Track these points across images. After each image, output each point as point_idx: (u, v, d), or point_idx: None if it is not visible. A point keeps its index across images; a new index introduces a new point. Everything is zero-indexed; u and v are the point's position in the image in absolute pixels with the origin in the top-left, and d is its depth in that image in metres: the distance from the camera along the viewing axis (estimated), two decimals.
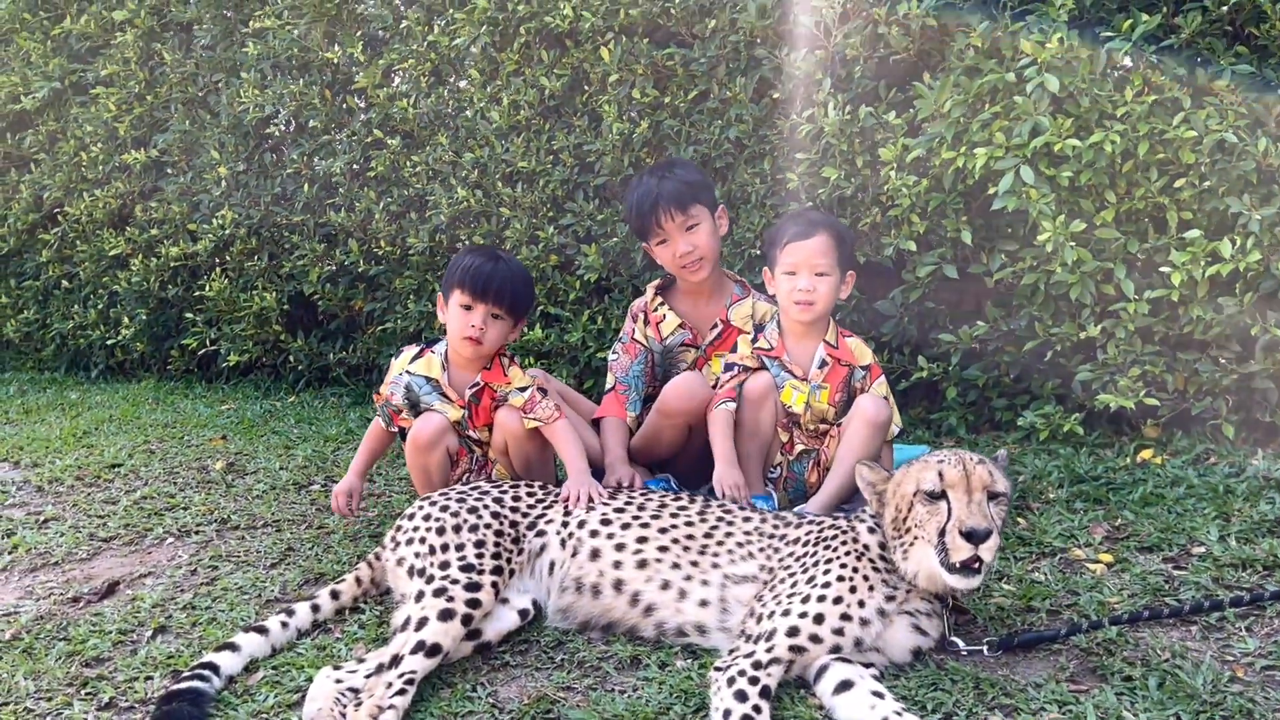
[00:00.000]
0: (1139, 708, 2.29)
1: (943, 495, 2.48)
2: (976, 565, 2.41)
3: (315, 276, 5.85)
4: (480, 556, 2.79)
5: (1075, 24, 3.84)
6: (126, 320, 6.70)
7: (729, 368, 3.63)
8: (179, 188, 6.47)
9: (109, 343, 6.89)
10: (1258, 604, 2.67)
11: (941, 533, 2.45)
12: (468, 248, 3.53)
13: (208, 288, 6.19)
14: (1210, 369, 3.81)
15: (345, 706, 2.40)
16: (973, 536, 2.38)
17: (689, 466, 3.71)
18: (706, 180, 3.86)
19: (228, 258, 6.27)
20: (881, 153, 4.15)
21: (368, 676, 2.50)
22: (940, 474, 2.50)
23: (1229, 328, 3.76)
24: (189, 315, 6.44)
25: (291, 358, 6.18)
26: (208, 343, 6.41)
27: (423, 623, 2.58)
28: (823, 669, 2.45)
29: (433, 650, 2.53)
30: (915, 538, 2.52)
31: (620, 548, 2.85)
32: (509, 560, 2.84)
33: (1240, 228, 3.66)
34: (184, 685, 2.49)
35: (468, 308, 3.37)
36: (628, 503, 3.01)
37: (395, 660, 2.50)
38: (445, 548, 2.83)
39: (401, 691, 2.41)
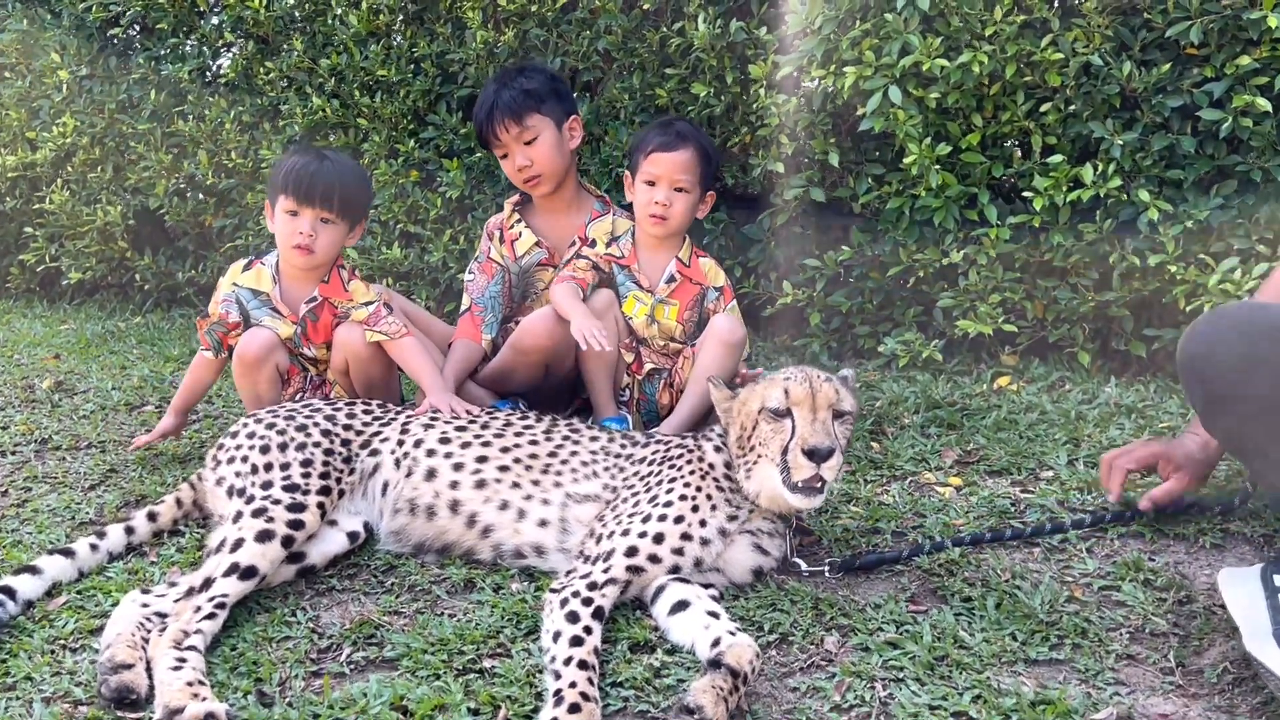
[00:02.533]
0: (975, 627, 2.27)
1: (788, 413, 2.41)
2: (819, 484, 2.35)
3: (162, 190, 5.53)
4: (307, 476, 2.62)
5: None
6: None
7: (582, 256, 3.52)
8: (16, 92, 6.03)
9: None
10: (1099, 526, 2.67)
11: (784, 451, 2.38)
12: (292, 148, 3.28)
13: (48, 200, 5.81)
14: (1069, 296, 3.81)
15: (149, 632, 2.23)
16: (815, 455, 2.32)
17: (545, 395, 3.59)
18: (557, 87, 3.64)
19: (69, 169, 5.87)
20: (752, 70, 4.03)
21: (177, 600, 2.33)
22: (786, 391, 2.42)
23: (1088, 255, 3.76)
24: (29, 230, 6.04)
25: (138, 276, 5.85)
26: (48, 259, 6.03)
27: (238, 544, 2.42)
28: (660, 589, 2.38)
29: (247, 573, 2.37)
30: (759, 456, 2.44)
31: (458, 467, 2.71)
32: (339, 480, 2.69)
33: (1102, 153, 3.65)
34: None
35: (294, 213, 3.16)
36: (471, 421, 2.88)
37: (207, 583, 2.34)
38: (269, 467, 2.66)
39: (210, 616, 2.25)
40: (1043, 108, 3.72)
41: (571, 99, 3.70)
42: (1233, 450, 2.29)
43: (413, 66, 4.84)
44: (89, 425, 3.76)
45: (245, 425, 2.83)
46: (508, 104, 3.50)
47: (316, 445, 2.73)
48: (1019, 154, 3.81)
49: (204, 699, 1.98)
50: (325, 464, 2.68)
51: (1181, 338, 2.22)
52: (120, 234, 5.77)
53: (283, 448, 2.70)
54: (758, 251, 4.38)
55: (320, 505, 2.58)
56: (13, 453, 3.50)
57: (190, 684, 2.03)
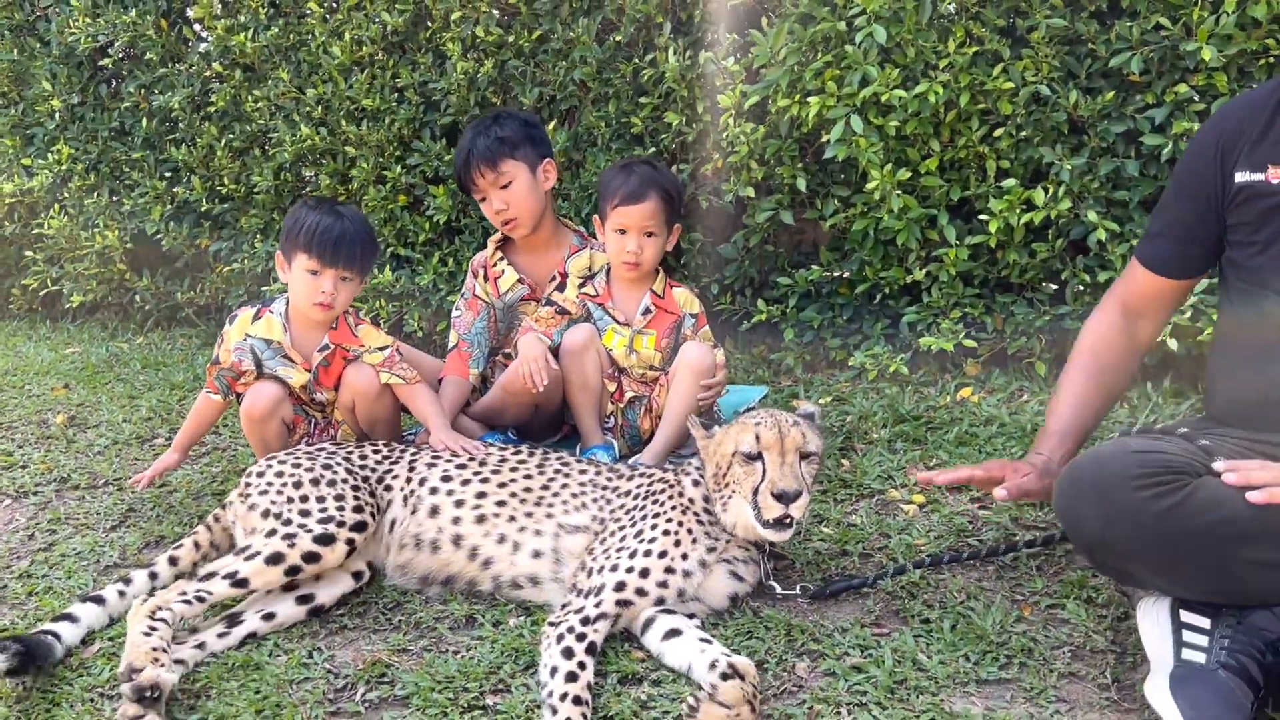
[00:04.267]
0: (933, 649, 2.47)
1: (759, 456, 2.60)
2: (788, 520, 2.54)
3: (158, 214, 5.68)
4: (342, 509, 2.81)
5: None
6: None
7: (549, 303, 3.72)
8: (10, 120, 6.17)
9: None
10: (1049, 544, 2.87)
11: (756, 491, 2.58)
12: (304, 202, 3.39)
13: (46, 225, 5.96)
14: (1025, 311, 4.01)
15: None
16: (783, 497, 2.52)
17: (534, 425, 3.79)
18: (530, 133, 3.79)
19: (66, 194, 6.02)
20: (721, 99, 4.19)
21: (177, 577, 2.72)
22: (757, 436, 2.61)
23: (1042, 272, 3.95)
24: (29, 254, 6.20)
25: (138, 297, 6.02)
26: (49, 282, 6.19)
27: (251, 555, 2.66)
28: (649, 621, 2.56)
29: (240, 583, 2.62)
30: (733, 493, 2.64)
31: (460, 504, 2.90)
32: (373, 516, 2.88)
33: (1053, 177, 3.83)
34: (33, 635, 2.51)
35: (315, 272, 3.28)
36: (470, 459, 3.07)
37: (208, 576, 2.62)
38: (305, 498, 2.84)
39: (187, 602, 2.53)
40: (996, 133, 3.89)
41: (546, 142, 3.86)
42: (1119, 580, 2.52)
43: (396, 95, 4.99)
44: (104, 461, 3.93)
45: (271, 465, 2.99)
46: (483, 152, 3.67)
47: (345, 482, 2.92)
48: (975, 178, 3.98)
49: (162, 665, 2.31)
50: (358, 499, 2.87)
51: (1055, 491, 2.41)
52: (119, 257, 5.92)
53: (315, 482, 2.88)
54: (733, 270, 4.56)
55: (350, 542, 2.76)
56: (34, 492, 3.67)
57: (155, 649, 2.35)
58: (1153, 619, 2.29)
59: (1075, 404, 2.74)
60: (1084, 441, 2.79)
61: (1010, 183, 3.83)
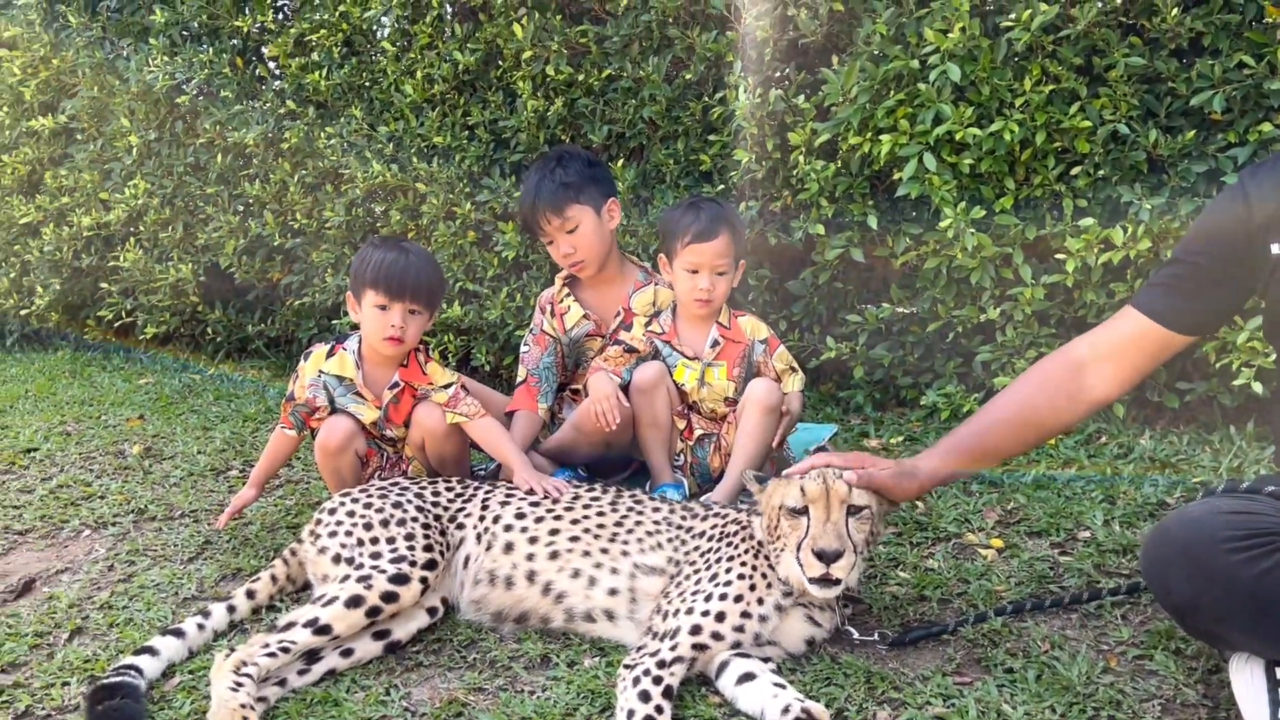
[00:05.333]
0: (1018, 699, 2.42)
1: (804, 511, 2.57)
2: (833, 579, 2.50)
3: (231, 248, 5.79)
4: (412, 548, 2.83)
5: (977, 12, 3.90)
6: (40, 290, 6.59)
7: (618, 343, 3.73)
8: (89, 155, 6.34)
9: (23, 312, 6.77)
10: (1133, 593, 2.81)
11: (800, 546, 2.55)
12: (372, 241, 3.46)
13: (122, 258, 6.10)
14: None
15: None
16: (823, 556, 2.48)
17: (604, 462, 3.80)
18: (594, 173, 3.82)
19: (141, 228, 6.16)
20: (791, 136, 4.20)
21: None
22: (802, 490, 2.58)
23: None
24: (104, 285, 6.34)
25: (210, 329, 6.13)
26: (124, 314, 6.32)
27: (330, 601, 2.66)
28: (724, 664, 2.54)
29: (322, 630, 2.60)
30: (783, 546, 2.61)
31: (533, 540, 2.91)
32: (442, 554, 2.89)
33: (1132, 216, 3.78)
34: (115, 680, 2.50)
35: (384, 308, 3.33)
36: (544, 495, 3.08)
37: (288, 626, 2.60)
38: (375, 540, 2.87)
39: (272, 654, 2.51)
40: (1073, 172, 3.86)
41: (610, 181, 3.89)
42: (1210, 644, 2.45)
43: (467, 133, 5.06)
44: (180, 493, 3.99)
45: (342, 504, 3.03)
46: (548, 198, 3.70)
47: (415, 520, 2.93)
48: (1051, 217, 3.94)
49: None
50: (428, 538, 2.89)
51: (1141, 554, 2.39)
52: (192, 289, 6.04)
53: (385, 523, 2.91)
54: (801, 306, 4.54)
55: (424, 580, 2.77)
56: (113, 523, 3.73)
57: (244, 706, 2.33)
58: (1247, 677, 2.23)
59: (984, 428, 2.64)
60: (972, 468, 2.74)
61: (1088, 221, 3.78)
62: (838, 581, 2.50)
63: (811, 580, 2.51)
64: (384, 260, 3.35)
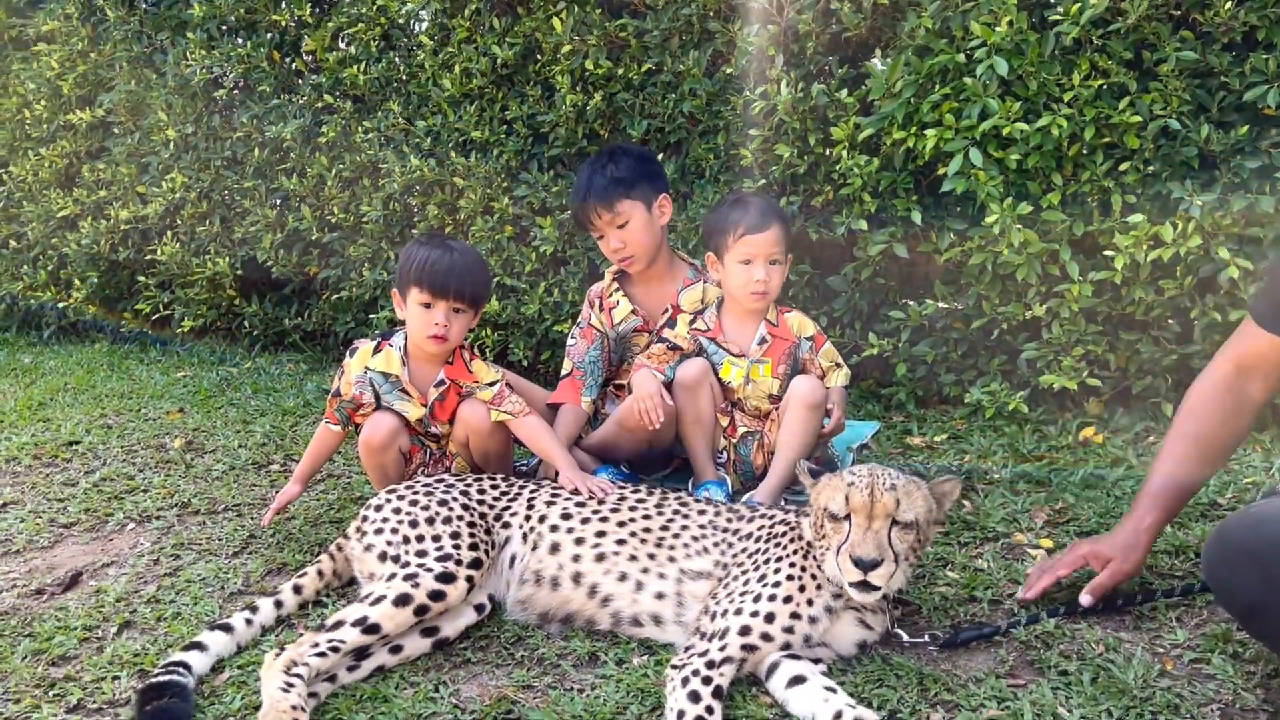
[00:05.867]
0: (1074, 703, 2.40)
1: (847, 518, 2.55)
2: (870, 585, 2.49)
3: (268, 243, 5.82)
4: (458, 547, 2.83)
5: (1024, 5, 3.86)
6: (78, 282, 6.65)
7: (662, 340, 3.72)
8: (126, 149, 6.38)
9: (60, 305, 6.83)
10: (1188, 594, 2.79)
11: (839, 550, 2.54)
12: (417, 239, 3.47)
13: (159, 251, 6.15)
14: (1151, 349, 3.92)
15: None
16: (860, 565, 2.47)
17: (646, 459, 3.79)
18: (646, 169, 3.81)
19: (179, 221, 6.21)
20: (834, 131, 4.18)
21: (304, 630, 2.63)
22: (846, 497, 2.56)
23: (1169, 309, 3.86)
24: (141, 279, 6.38)
25: (247, 322, 6.16)
26: (161, 307, 6.37)
27: (378, 600, 2.66)
28: (774, 666, 2.53)
29: (371, 629, 2.60)
30: (826, 547, 2.60)
31: (580, 541, 2.91)
32: (487, 554, 2.89)
33: (1182, 212, 3.74)
34: (164, 679, 2.51)
35: (428, 305, 3.34)
36: (589, 495, 3.08)
37: (336, 625, 2.60)
38: (421, 538, 2.87)
39: (322, 654, 2.51)
40: (1122, 167, 3.82)
41: (662, 177, 3.87)
42: (1274, 648, 2.41)
43: (505, 127, 5.06)
44: (223, 487, 4.02)
45: (389, 501, 3.04)
46: (599, 192, 3.70)
47: (461, 519, 2.94)
48: (1099, 212, 3.91)
49: None
50: (473, 536, 2.89)
51: (1204, 555, 2.39)
52: (229, 282, 6.07)
53: (430, 521, 2.92)
54: (842, 302, 4.52)
55: (470, 579, 2.77)
56: (157, 517, 3.76)
57: (294, 707, 2.33)
58: None
59: (1173, 466, 2.68)
60: (1182, 504, 2.76)
61: (1137, 218, 3.74)
62: (878, 588, 2.49)
63: (851, 584, 2.50)
64: (429, 258, 3.34)
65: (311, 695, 2.49)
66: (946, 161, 3.94)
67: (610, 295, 3.92)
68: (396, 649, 2.70)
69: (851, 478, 2.58)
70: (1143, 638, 2.65)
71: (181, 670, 2.58)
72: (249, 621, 2.85)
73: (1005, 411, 4.07)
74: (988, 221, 3.90)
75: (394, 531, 2.93)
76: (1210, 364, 2.70)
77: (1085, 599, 2.69)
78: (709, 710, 2.33)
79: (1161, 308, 3.86)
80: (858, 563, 2.46)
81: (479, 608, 2.87)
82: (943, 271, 4.35)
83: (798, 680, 2.46)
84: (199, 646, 2.71)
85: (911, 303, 4.33)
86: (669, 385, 3.62)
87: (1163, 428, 3.91)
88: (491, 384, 3.45)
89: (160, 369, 6.02)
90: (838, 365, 3.70)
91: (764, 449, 3.64)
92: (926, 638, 2.68)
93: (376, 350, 3.47)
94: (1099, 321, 4.01)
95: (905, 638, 2.68)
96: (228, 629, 2.79)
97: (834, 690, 2.41)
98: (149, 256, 6.27)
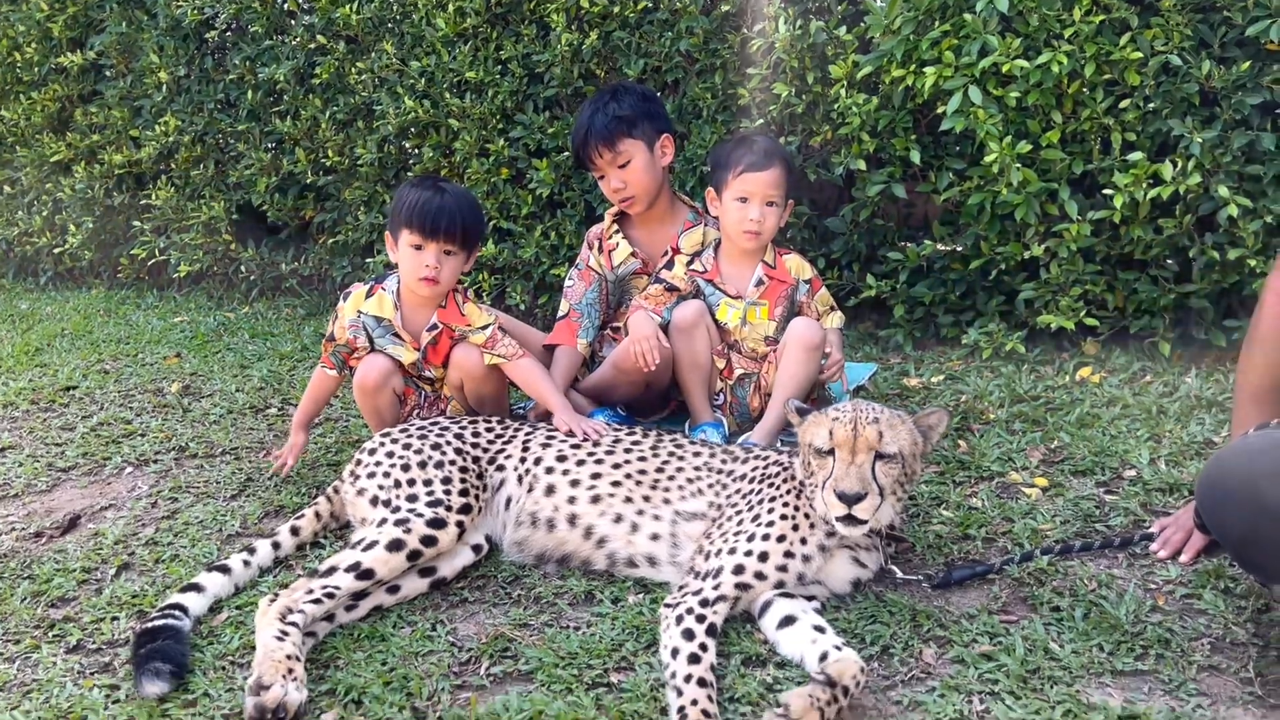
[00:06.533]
0: (1065, 638, 2.42)
1: (831, 452, 2.56)
2: (857, 519, 2.50)
3: (263, 186, 5.78)
4: (448, 493, 2.85)
5: None
6: (73, 228, 6.62)
7: (659, 281, 3.70)
8: (119, 92, 6.32)
9: (56, 250, 6.80)
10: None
11: (824, 485, 2.55)
12: (409, 181, 3.44)
13: (154, 196, 6.11)
14: (1149, 288, 3.90)
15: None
16: (843, 498, 2.48)
17: (643, 401, 3.80)
18: (649, 108, 3.78)
19: (173, 165, 6.17)
20: (832, 69, 4.13)
21: (299, 575, 2.68)
22: (830, 432, 2.56)
23: (1167, 248, 3.84)
24: (136, 223, 6.36)
25: (243, 267, 6.14)
26: (157, 252, 6.34)
27: (370, 545, 2.68)
28: (767, 604, 2.55)
29: (365, 574, 2.62)
30: (814, 484, 2.61)
31: (575, 484, 2.92)
32: (477, 498, 2.91)
33: (1182, 150, 3.71)
34: (159, 623, 2.53)
35: (419, 247, 3.31)
36: (584, 438, 3.09)
37: (329, 571, 2.61)
38: (413, 482, 2.88)
39: (317, 601, 2.52)
40: (1122, 105, 3.78)
41: (664, 117, 3.84)
42: (1263, 578, 2.42)
43: (500, 68, 5.00)
44: (220, 431, 4.03)
45: (382, 444, 3.05)
46: (600, 131, 3.66)
47: (452, 463, 2.95)
48: (1099, 150, 3.87)
49: (294, 678, 2.27)
50: (464, 481, 2.90)
51: (1198, 484, 2.38)
52: (224, 227, 6.04)
53: (423, 465, 2.93)
54: (840, 244, 4.50)
55: (460, 524, 2.79)
56: (154, 461, 3.78)
57: (289, 656, 2.33)
58: None
59: (1261, 396, 2.61)
60: None
61: (1137, 156, 3.71)
62: (864, 522, 2.51)
63: (837, 519, 2.51)
64: (419, 200, 3.32)
65: (310, 635, 2.52)
66: (945, 100, 3.90)
67: (610, 237, 3.90)
68: (394, 589, 2.72)
69: (835, 413, 2.59)
70: (1135, 574, 2.67)
71: (176, 612, 2.60)
72: (246, 563, 2.88)
73: (1002, 352, 4.07)
74: (986, 160, 3.87)
75: (386, 476, 2.94)
76: (1262, 306, 2.62)
77: (1185, 559, 2.68)
78: (703, 647, 2.35)
79: (1160, 247, 3.84)
80: (841, 496, 2.48)
81: (476, 548, 2.89)
82: (941, 212, 4.32)
83: (788, 621, 2.48)
84: (196, 588, 2.73)
85: (910, 244, 4.30)
86: (665, 327, 3.62)
87: (1159, 367, 3.90)
88: (484, 327, 3.44)
89: (157, 314, 6.02)
90: (832, 309, 3.70)
91: (760, 391, 3.64)
92: (921, 577, 2.70)
93: (369, 294, 3.46)
94: (1097, 261, 3.99)
95: (899, 574, 2.70)
96: (225, 570, 2.82)
97: (822, 630, 2.43)
98: (144, 201, 6.24)
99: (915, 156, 4.07)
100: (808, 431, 2.65)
